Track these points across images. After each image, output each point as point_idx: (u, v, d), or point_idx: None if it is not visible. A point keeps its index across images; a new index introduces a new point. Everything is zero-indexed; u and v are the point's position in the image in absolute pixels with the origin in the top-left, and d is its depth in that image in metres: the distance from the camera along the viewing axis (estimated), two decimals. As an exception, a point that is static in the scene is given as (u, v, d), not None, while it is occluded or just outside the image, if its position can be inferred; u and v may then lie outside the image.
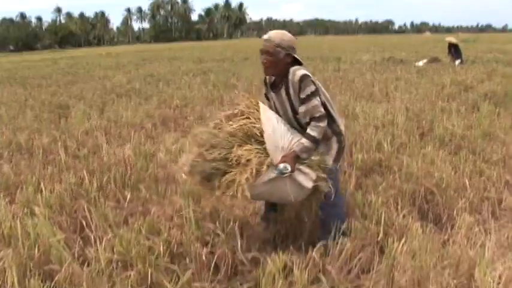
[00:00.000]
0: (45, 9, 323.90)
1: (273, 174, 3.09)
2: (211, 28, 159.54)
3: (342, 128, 3.48)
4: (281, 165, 3.07)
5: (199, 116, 8.25)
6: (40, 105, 10.55)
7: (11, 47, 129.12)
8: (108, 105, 10.00)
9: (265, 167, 3.06)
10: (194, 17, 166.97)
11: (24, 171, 5.53)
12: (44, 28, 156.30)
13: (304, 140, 3.17)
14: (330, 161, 3.36)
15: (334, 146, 3.42)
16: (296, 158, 3.13)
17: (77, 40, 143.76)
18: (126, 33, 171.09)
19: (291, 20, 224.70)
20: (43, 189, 4.56)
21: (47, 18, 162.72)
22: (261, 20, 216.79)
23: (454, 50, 18.13)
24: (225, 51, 35.97)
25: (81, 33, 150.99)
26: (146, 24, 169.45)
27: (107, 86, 13.78)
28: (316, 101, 3.19)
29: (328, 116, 3.30)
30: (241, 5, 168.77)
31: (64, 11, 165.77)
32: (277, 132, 3.18)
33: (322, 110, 3.21)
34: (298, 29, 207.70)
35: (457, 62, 17.32)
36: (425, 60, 18.42)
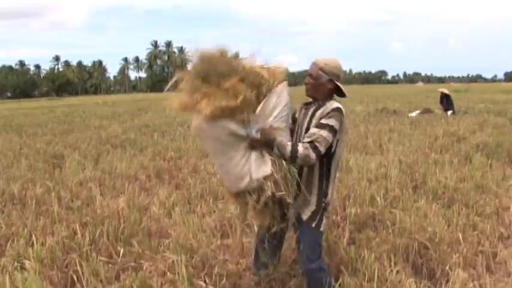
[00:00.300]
0: (45, 57, 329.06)
1: (241, 130, 2.97)
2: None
3: (329, 192, 3.26)
4: (255, 126, 2.97)
5: (193, 169, 8.24)
6: (35, 154, 10.55)
7: (9, 94, 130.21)
8: (103, 156, 10.01)
9: (243, 117, 2.96)
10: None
11: (16, 223, 5.49)
12: (42, 76, 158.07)
13: (288, 143, 3.01)
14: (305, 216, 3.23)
15: (312, 207, 3.23)
16: (270, 142, 2.99)
17: (74, 88, 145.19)
18: (122, 82, 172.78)
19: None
20: (34, 242, 4.52)
21: (46, 66, 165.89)
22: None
23: (446, 101, 18.41)
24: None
25: (78, 81, 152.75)
26: (143, 74, 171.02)
27: (102, 136, 13.82)
28: (327, 135, 3.02)
29: (327, 172, 3.22)
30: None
31: (62, 59, 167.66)
32: (276, 110, 3.07)
33: (323, 148, 3.01)
34: (293, 80, 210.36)
35: (449, 112, 17.55)
36: (418, 111, 18.64)
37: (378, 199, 5.70)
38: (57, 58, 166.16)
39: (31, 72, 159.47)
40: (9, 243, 4.77)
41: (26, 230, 4.99)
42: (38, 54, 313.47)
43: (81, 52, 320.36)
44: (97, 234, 4.85)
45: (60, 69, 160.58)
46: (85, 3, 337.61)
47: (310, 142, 2.98)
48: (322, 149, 3.00)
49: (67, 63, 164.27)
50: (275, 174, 2.99)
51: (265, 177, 3.00)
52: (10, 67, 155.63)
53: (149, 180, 7.64)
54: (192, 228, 4.88)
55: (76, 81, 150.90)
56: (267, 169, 3.00)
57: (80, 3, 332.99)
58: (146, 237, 4.85)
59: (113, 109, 31.32)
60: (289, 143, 3.00)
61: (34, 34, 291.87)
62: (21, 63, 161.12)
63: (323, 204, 3.23)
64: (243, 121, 2.96)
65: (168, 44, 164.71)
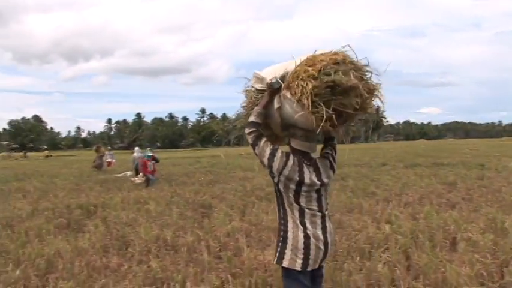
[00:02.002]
0: (191, 110, 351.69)
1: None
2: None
3: (288, 228, 3.36)
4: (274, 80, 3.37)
5: (338, 224, 8.18)
6: (184, 203, 11.25)
7: (159, 144, 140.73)
8: (249, 208, 10.32)
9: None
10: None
11: (170, 268, 5.88)
12: (188, 127, 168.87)
13: (257, 119, 3.49)
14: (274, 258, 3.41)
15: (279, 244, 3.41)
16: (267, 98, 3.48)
17: (218, 139, 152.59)
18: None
19: (429, 123, 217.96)
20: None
21: (192, 118, 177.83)
22: (398, 123, 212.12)
23: None
24: (362, 156, 35.81)
25: (222, 133, 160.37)
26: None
27: (247, 188, 14.30)
28: (268, 152, 3.39)
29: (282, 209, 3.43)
30: (377, 108, 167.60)
31: (208, 112, 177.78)
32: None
33: (264, 154, 3.40)
34: (436, 132, 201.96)
35: None
36: None
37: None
38: (203, 111, 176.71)
39: (179, 124, 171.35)
40: (164, 287, 5.14)
41: (179, 276, 5.31)
42: (185, 107, 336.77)
43: (225, 105, 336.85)
44: (246, 285, 5.01)
45: (206, 121, 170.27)
46: (229, 59, 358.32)
47: (258, 138, 3.47)
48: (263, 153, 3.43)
49: (212, 116, 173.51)
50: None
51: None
52: (161, 119, 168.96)
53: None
54: (341, 286, 4.84)
55: (220, 133, 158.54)
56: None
57: (224, 59, 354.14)
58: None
59: (253, 161, 32.18)
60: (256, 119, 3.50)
61: (183, 89, 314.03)
62: (171, 116, 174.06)
63: (285, 243, 3.36)
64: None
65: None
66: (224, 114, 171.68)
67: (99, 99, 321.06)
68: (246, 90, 3.85)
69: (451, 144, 61.98)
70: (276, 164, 3.34)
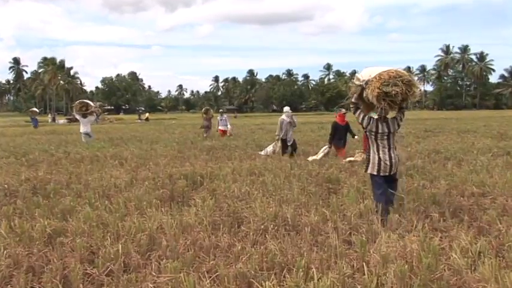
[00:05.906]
0: (314, 65, 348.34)
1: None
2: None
3: (371, 154, 8.25)
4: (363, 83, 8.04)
5: (503, 211, 7.86)
6: (307, 176, 11.38)
7: (274, 107, 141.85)
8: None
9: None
10: (493, 79, 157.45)
11: (290, 251, 5.99)
12: (310, 87, 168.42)
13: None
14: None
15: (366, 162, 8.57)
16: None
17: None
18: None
19: None
20: (315, 275, 4.87)
21: (315, 76, 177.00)
22: None
23: None
24: (534, 125, 33.90)
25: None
26: (429, 87, 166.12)
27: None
28: (361, 117, 8.25)
29: (370, 144, 8.41)
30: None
31: (334, 68, 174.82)
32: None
33: (359, 119, 8.28)
34: None
35: None
36: None
37: None
38: (328, 67, 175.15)
39: (299, 82, 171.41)
40: (284, 272, 5.26)
41: (303, 261, 5.38)
42: (307, 62, 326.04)
43: (355, 60, 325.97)
44: (382, 275, 4.99)
45: (331, 80, 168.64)
46: (361, 3, 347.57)
47: (356, 110, 8.38)
48: (358, 118, 8.35)
49: (339, 73, 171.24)
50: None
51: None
52: (277, 77, 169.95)
53: (443, 219, 7.51)
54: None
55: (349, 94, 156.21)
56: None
57: (355, 4, 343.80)
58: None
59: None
60: (355, 100, 8.39)
61: (303, 40, 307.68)
62: (289, 73, 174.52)
63: (368, 158, 8.40)
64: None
65: (464, 50, 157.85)
66: (354, 71, 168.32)
67: (204, 53, 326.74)
68: (352, 82, 8.52)
69: None
70: (364, 123, 8.16)
